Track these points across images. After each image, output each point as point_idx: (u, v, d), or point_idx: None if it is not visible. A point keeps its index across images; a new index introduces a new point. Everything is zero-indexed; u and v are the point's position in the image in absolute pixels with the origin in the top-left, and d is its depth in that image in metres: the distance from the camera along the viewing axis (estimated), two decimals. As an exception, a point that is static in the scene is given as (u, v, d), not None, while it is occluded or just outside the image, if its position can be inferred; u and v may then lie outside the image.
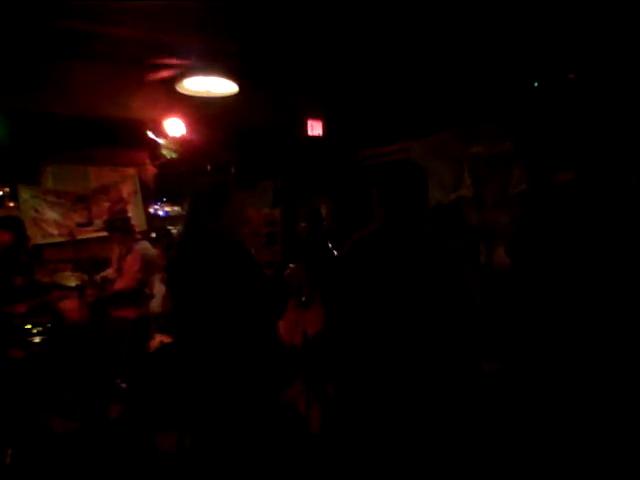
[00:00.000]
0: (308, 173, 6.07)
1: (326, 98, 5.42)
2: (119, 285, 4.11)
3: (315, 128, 5.52)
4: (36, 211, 5.63)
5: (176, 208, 7.48)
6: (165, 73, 4.19)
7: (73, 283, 4.38)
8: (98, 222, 5.60)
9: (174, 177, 6.33)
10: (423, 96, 4.73)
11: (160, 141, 5.45)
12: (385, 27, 3.69)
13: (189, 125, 5.13)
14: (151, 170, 6.16)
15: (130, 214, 4.46)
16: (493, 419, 1.66)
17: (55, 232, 5.68)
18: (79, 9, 3.40)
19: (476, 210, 4.41)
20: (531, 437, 1.74)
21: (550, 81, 3.78)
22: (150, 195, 6.37)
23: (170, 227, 6.94)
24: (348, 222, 5.87)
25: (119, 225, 4.18)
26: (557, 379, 1.72)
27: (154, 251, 4.42)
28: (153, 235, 6.20)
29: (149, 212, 6.37)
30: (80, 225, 5.72)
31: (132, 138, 5.44)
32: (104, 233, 4.48)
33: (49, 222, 5.69)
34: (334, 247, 4.35)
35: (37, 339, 3.78)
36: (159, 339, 3.95)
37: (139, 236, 4.54)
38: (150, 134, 5.35)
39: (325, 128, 5.56)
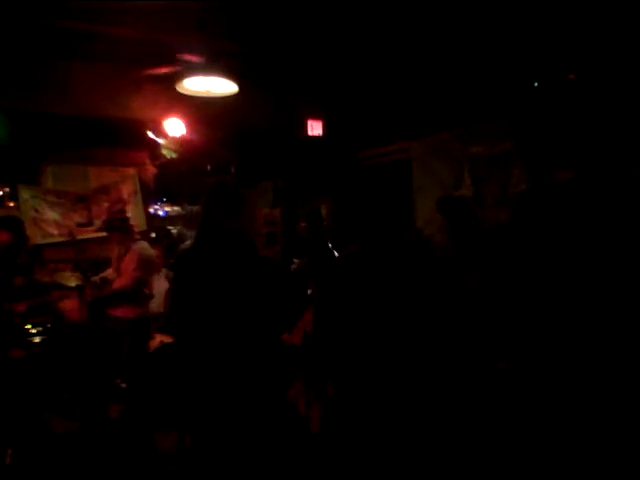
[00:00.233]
0: (308, 173, 6.07)
1: (326, 98, 5.42)
2: (117, 285, 4.12)
3: (315, 128, 5.52)
4: (36, 211, 5.63)
5: (176, 208, 7.48)
6: (165, 70, 4.18)
7: (73, 283, 4.39)
8: (98, 222, 5.59)
9: (174, 177, 6.33)
10: (423, 96, 4.73)
11: (160, 141, 5.45)
12: (385, 27, 3.69)
13: (189, 125, 5.13)
14: (151, 170, 6.16)
15: (129, 214, 4.46)
16: (495, 419, 1.66)
17: (55, 232, 5.68)
18: (79, 9, 3.40)
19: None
20: (533, 437, 1.74)
21: (550, 81, 3.78)
22: (150, 195, 6.37)
23: (170, 227, 6.95)
24: (348, 222, 5.86)
25: (118, 225, 4.18)
26: (559, 378, 1.72)
27: (152, 251, 4.42)
28: (153, 235, 6.21)
29: (149, 212, 6.37)
30: (80, 225, 5.72)
31: (132, 138, 5.44)
32: (104, 233, 4.47)
33: (49, 222, 5.69)
34: (334, 247, 4.34)
35: (37, 339, 3.78)
36: (159, 339, 3.95)
37: (138, 236, 4.53)
38: (150, 134, 5.35)
39: (325, 128, 5.56)
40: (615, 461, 1.67)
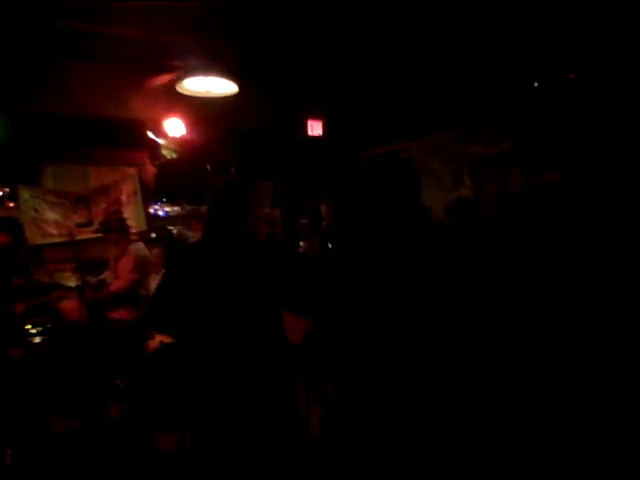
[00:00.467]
0: (308, 173, 6.06)
1: (326, 98, 5.42)
2: (114, 287, 4.11)
3: (315, 128, 5.52)
4: (36, 211, 5.63)
5: (176, 208, 7.49)
6: (166, 77, 4.19)
7: (73, 283, 4.38)
8: (98, 222, 5.60)
9: (174, 177, 6.34)
10: (423, 96, 4.73)
11: (160, 141, 5.45)
12: (385, 27, 3.69)
13: (189, 125, 5.13)
14: (151, 170, 6.16)
15: (126, 215, 4.45)
16: (496, 420, 1.65)
17: (55, 232, 5.68)
18: (79, 9, 3.41)
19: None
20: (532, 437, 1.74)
21: (550, 81, 3.78)
22: (150, 195, 6.37)
23: (170, 227, 6.96)
24: (348, 222, 5.86)
25: (115, 226, 4.18)
26: (551, 385, 1.71)
27: (148, 252, 4.42)
28: (153, 235, 6.21)
29: (149, 212, 6.37)
30: (80, 225, 5.72)
31: (132, 138, 5.44)
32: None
33: (49, 222, 5.69)
34: (333, 247, 4.34)
35: (37, 339, 3.78)
36: (159, 339, 3.95)
37: (134, 237, 4.53)
38: (150, 134, 5.36)
39: (325, 128, 5.56)
40: (615, 461, 1.67)
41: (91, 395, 3.69)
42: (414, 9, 3.40)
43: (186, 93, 4.29)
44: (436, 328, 1.57)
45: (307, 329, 3.32)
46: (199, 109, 4.90)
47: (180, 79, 4.08)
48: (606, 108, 3.49)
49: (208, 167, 6.19)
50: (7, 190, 6.02)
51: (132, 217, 5.76)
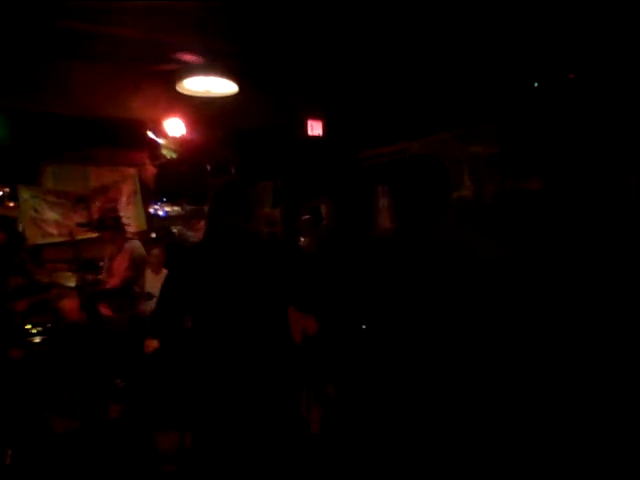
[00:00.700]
0: (308, 173, 6.07)
1: (326, 98, 5.42)
2: (110, 284, 4.11)
3: (315, 128, 5.52)
4: (36, 211, 5.63)
5: (176, 208, 7.49)
6: (166, 78, 4.18)
7: (72, 283, 4.38)
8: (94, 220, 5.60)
9: (174, 177, 6.34)
10: (423, 96, 4.73)
11: (160, 141, 5.46)
12: (385, 27, 3.69)
13: (189, 125, 5.13)
14: (151, 170, 6.16)
15: (124, 214, 4.44)
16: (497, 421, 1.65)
17: (55, 232, 5.69)
18: (79, 9, 3.40)
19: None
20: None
21: (550, 81, 3.78)
22: (150, 195, 6.37)
23: (171, 227, 6.96)
24: (348, 222, 5.87)
25: (110, 224, 4.17)
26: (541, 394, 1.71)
27: (144, 250, 4.41)
28: (153, 235, 6.21)
29: (149, 212, 6.37)
30: (80, 225, 5.72)
31: (132, 138, 5.44)
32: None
33: (49, 222, 5.69)
34: (333, 247, 4.35)
35: (37, 339, 3.78)
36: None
37: (130, 235, 4.52)
38: (150, 134, 5.36)
39: (325, 128, 5.56)
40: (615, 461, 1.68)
41: (91, 395, 3.69)
42: (414, 9, 3.40)
43: (186, 93, 4.29)
44: (448, 329, 1.56)
45: (307, 329, 3.32)
46: (199, 109, 4.90)
47: (180, 79, 4.08)
48: (606, 108, 3.49)
49: (208, 167, 6.20)
50: (7, 190, 6.02)
51: (132, 217, 5.77)
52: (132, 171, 6.08)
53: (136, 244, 4.30)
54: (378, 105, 5.16)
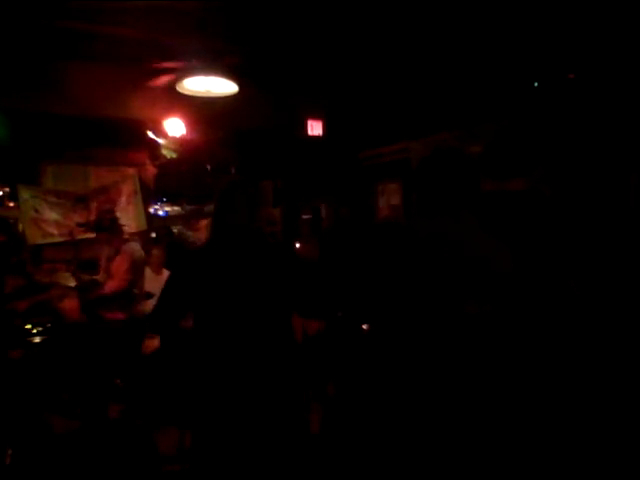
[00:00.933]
0: (308, 173, 6.07)
1: (326, 98, 5.42)
2: (109, 287, 4.08)
3: (315, 128, 5.52)
4: (36, 211, 5.62)
5: (176, 208, 7.50)
6: (166, 78, 4.18)
7: (72, 283, 4.38)
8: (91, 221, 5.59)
9: (174, 177, 6.34)
10: (423, 96, 4.73)
11: (160, 141, 5.45)
12: (385, 27, 3.69)
13: (189, 125, 5.13)
14: (151, 170, 6.15)
15: (122, 214, 4.43)
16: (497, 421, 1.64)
17: (55, 232, 5.68)
18: (79, 9, 3.41)
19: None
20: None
21: (550, 81, 3.78)
22: (150, 195, 6.37)
23: (171, 227, 6.96)
24: (348, 222, 5.87)
25: (107, 225, 4.15)
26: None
27: (143, 252, 4.40)
28: (153, 235, 6.21)
29: (149, 212, 6.37)
30: (80, 225, 5.72)
31: (132, 138, 5.44)
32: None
33: (49, 222, 5.68)
34: (333, 247, 4.36)
35: (37, 339, 3.78)
36: (159, 339, 3.95)
37: (127, 236, 4.51)
38: (150, 134, 5.36)
39: (325, 128, 5.56)
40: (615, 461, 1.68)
41: (91, 395, 3.69)
42: (414, 9, 3.40)
43: (186, 93, 4.29)
44: (454, 329, 1.54)
45: (308, 329, 3.32)
46: (199, 109, 4.90)
47: (180, 79, 4.08)
48: (606, 108, 3.49)
49: (208, 167, 6.19)
50: (7, 190, 6.02)
51: (132, 217, 5.76)
52: (132, 171, 6.07)
53: (135, 246, 4.28)
54: (378, 105, 5.16)
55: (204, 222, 6.26)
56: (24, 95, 4.42)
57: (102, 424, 3.47)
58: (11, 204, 5.94)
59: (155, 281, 4.49)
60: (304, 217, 5.77)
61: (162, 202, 7.19)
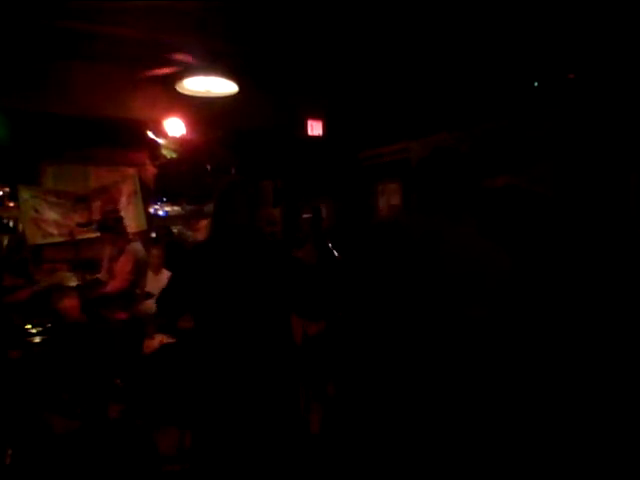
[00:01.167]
0: (308, 173, 6.07)
1: (326, 98, 5.42)
2: (111, 286, 4.08)
3: (315, 128, 5.52)
4: (36, 211, 5.63)
5: (176, 208, 7.50)
6: (165, 71, 4.17)
7: (73, 283, 4.38)
8: (95, 221, 5.60)
9: (174, 177, 6.34)
10: (423, 96, 4.73)
11: (160, 141, 5.45)
12: (385, 27, 3.69)
13: (189, 125, 5.13)
14: (151, 170, 6.16)
15: (124, 214, 4.43)
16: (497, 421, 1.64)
17: (55, 232, 5.68)
18: (79, 9, 3.41)
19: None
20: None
21: (550, 81, 3.78)
22: (150, 195, 6.37)
23: (171, 227, 6.96)
24: (348, 222, 5.87)
25: (111, 225, 4.15)
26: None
27: (145, 252, 4.40)
28: (153, 235, 6.21)
29: (149, 212, 6.37)
30: (80, 225, 5.72)
31: (132, 138, 5.44)
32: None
33: (49, 222, 5.68)
34: (334, 247, 4.35)
35: (37, 339, 3.78)
36: (159, 339, 3.95)
37: (131, 237, 4.51)
38: (150, 134, 5.36)
39: (325, 128, 5.56)
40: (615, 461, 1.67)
41: (91, 395, 3.69)
42: (414, 9, 3.40)
43: (186, 93, 4.28)
44: (458, 325, 1.53)
45: (307, 329, 3.32)
46: (199, 109, 4.90)
47: (180, 79, 4.08)
48: (606, 108, 3.49)
49: (208, 167, 6.19)
50: (7, 190, 6.02)
51: (132, 217, 5.76)
52: (132, 171, 6.07)
53: (138, 246, 4.29)
54: (378, 105, 5.16)
55: (204, 222, 6.25)
56: (24, 95, 4.42)
57: (102, 424, 3.47)
58: (11, 204, 5.94)
59: (154, 281, 4.49)
60: (304, 217, 5.76)
61: (162, 202, 7.19)
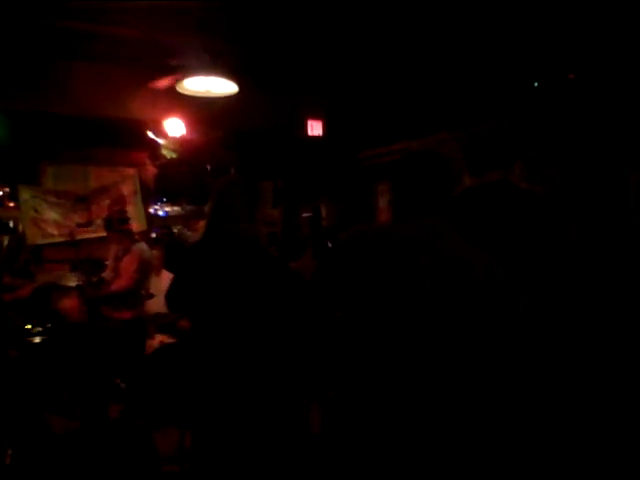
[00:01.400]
0: (308, 173, 6.07)
1: (326, 98, 5.42)
2: (116, 286, 4.10)
3: (315, 128, 5.52)
4: (36, 211, 5.63)
5: (176, 208, 7.48)
6: (166, 78, 4.17)
7: (73, 283, 4.38)
8: (98, 222, 5.60)
9: (174, 177, 6.33)
10: (423, 96, 4.73)
11: (160, 141, 5.45)
12: (385, 27, 3.69)
13: (189, 125, 5.13)
14: (151, 170, 6.16)
15: (130, 215, 4.44)
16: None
17: (55, 232, 5.69)
18: (79, 9, 3.41)
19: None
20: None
21: (550, 81, 3.78)
22: (150, 195, 6.37)
23: (171, 227, 6.96)
24: (348, 222, 5.87)
25: (119, 226, 4.16)
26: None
27: (151, 253, 4.41)
28: (153, 235, 6.20)
29: (149, 212, 6.37)
30: (80, 225, 5.72)
31: (132, 138, 5.44)
32: (104, 233, 4.47)
33: (49, 222, 5.69)
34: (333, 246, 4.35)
35: (37, 339, 3.78)
36: (159, 339, 3.95)
37: (137, 237, 4.52)
38: (150, 134, 5.35)
39: (325, 128, 5.56)
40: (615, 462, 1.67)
41: (91, 395, 3.69)
42: (414, 9, 3.40)
43: (186, 93, 4.28)
44: (447, 330, 1.53)
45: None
46: (199, 109, 4.90)
47: (180, 79, 4.08)
48: (606, 108, 3.49)
49: (208, 167, 6.19)
50: (7, 190, 6.02)
51: (132, 217, 5.76)
52: (132, 171, 6.08)
53: (144, 247, 4.31)
54: (378, 105, 5.16)
55: (204, 222, 6.26)
56: (24, 95, 4.42)
57: (102, 424, 3.46)
58: (11, 204, 5.94)
59: (155, 282, 4.49)
60: (304, 216, 5.76)
61: (162, 202, 7.18)
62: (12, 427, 3.16)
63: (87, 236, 5.60)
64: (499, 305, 1.52)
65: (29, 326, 3.80)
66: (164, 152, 5.61)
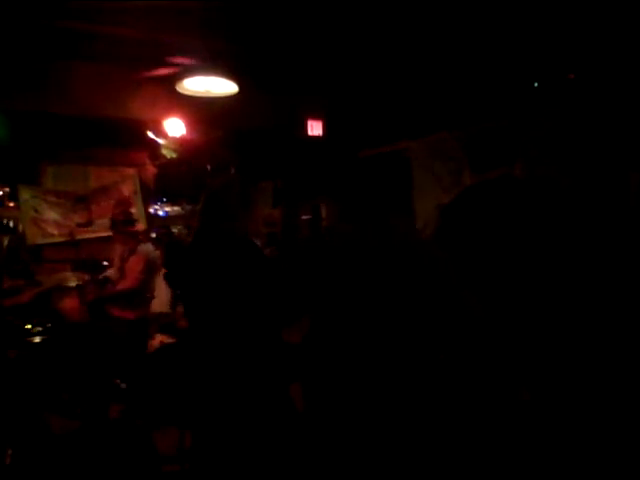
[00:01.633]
0: (308, 173, 6.06)
1: (326, 98, 5.42)
2: (122, 286, 4.11)
3: (315, 128, 5.52)
4: (36, 211, 5.63)
5: (176, 208, 7.48)
6: (165, 71, 4.17)
7: (73, 283, 4.39)
8: (98, 222, 5.61)
9: (174, 177, 6.33)
10: (423, 96, 4.73)
11: (160, 141, 5.45)
12: (385, 27, 3.69)
13: (189, 125, 5.13)
14: (151, 170, 6.16)
15: (134, 216, 4.45)
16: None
17: (55, 232, 5.69)
18: (79, 9, 3.40)
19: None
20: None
21: (550, 81, 3.78)
22: (150, 195, 6.37)
23: (171, 227, 6.96)
24: (348, 222, 5.86)
25: (124, 226, 4.17)
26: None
27: (156, 253, 4.42)
28: (153, 235, 6.21)
29: (149, 212, 6.37)
30: (80, 225, 5.72)
31: (132, 138, 5.44)
32: (104, 233, 4.48)
33: (49, 222, 5.69)
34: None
35: (37, 339, 3.78)
36: (159, 339, 3.95)
37: (141, 237, 4.53)
38: (150, 134, 5.36)
39: (325, 128, 5.56)
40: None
41: (91, 395, 3.69)
42: (414, 9, 3.40)
43: (186, 93, 4.29)
44: (399, 333, 1.53)
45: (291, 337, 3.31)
46: (199, 109, 4.90)
47: (180, 79, 4.08)
48: (606, 108, 3.49)
49: (208, 167, 6.19)
50: (7, 190, 6.02)
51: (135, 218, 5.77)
52: (132, 171, 6.08)
53: (149, 247, 4.32)
54: (378, 105, 5.16)
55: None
56: (24, 95, 4.42)
57: (102, 424, 3.47)
58: (11, 204, 5.94)
59: (156, 282, 4.49)
60: (303, 218, 5.75)
61: (162, 202, 7.18)
62: (12, 427, 3.16)
63: (87, 236, 5.60)
64: (440, 300, 1.53)
65: (29, 326, 3.81)
66: (164, 152, 5.61)
